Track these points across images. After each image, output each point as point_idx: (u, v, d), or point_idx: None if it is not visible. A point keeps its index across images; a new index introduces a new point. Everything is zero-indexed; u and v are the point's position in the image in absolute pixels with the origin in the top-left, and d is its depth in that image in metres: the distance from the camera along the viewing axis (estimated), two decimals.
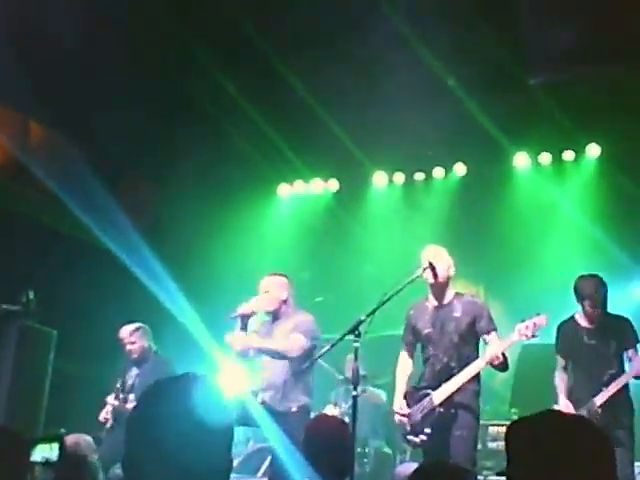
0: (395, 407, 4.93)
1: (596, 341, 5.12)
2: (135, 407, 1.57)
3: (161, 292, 7.33)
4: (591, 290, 5.07)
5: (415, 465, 3.67)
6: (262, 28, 7.12)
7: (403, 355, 5.10)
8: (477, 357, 4.76)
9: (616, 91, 7.20)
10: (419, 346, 5.07)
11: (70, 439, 4.03)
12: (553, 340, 5.52)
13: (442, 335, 4.82)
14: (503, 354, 4.58)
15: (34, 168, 8.02)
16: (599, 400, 4.91)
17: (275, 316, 5.26)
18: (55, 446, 2.78)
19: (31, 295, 6.26)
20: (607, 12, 6.35)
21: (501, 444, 5.65)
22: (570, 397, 5.08)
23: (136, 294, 7.39)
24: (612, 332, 5.10)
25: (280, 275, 5.33)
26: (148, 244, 7.95)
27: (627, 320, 5.19)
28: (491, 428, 5.88)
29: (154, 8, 7.04)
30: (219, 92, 7.78)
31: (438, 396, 4.70)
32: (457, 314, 4.81)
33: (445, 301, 4.88)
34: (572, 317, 5.27)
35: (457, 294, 4.94)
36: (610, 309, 5.97)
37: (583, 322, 5.19)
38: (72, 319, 6.40)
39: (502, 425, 5.83)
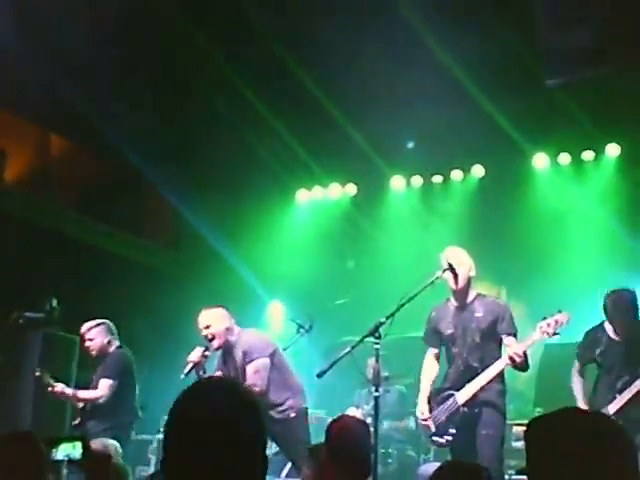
0: (417, 412, 4.95)
1: (620, 349, 5.07)
2: (171, 414, 1.56)
3: (184, 297, 7.37)
4: (620, 312, 5.00)
5: (438, 465, 3.66)
6: (279, 36, 7.18)
7: (428, 358, 5.08)
8: (499, 356, 4.73)
9: (635, 90, 7.14)
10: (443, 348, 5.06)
11: (96, 443, 4.08)
12: (576, 339, 5.53)
13: (464, 335, 4.82)
14: (524, 353, 4.56)
15: (56, 181, 8.14)
16: (612, 408, 4.86)
17: (225, 349, 5.23)
18: (78, 445, 2.82)
19: (54, 303, 6.33)
20: (623, 11, 6.32)
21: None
22: (590, 403, 5.04)
23: (159, 300, 7.45)
24: (638, 342, 5.03)
25: (215, 307, 5.29)
26: (168, 251, 8.01)
27: None
28: (515, 427, 5.84)
29: (169, 14, 7.14)
30: (238, 99, 7.84)
31: (462, 396, 4.71)
32: (479, 314, 4.80)
33: (467, 302, 4.87)
34: (601, 325, 5.22)
35: (479, 295, 4.92)
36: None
37: (611, 332, 5.14)
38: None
39: (526, 425, 5.78)
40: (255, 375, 5.00)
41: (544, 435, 1.64)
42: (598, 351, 5.13)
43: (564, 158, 8.20)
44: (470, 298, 4.88)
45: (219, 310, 5.26)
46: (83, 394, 5.74)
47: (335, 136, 8.01)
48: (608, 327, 5.16)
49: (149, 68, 7.48)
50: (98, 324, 5.91)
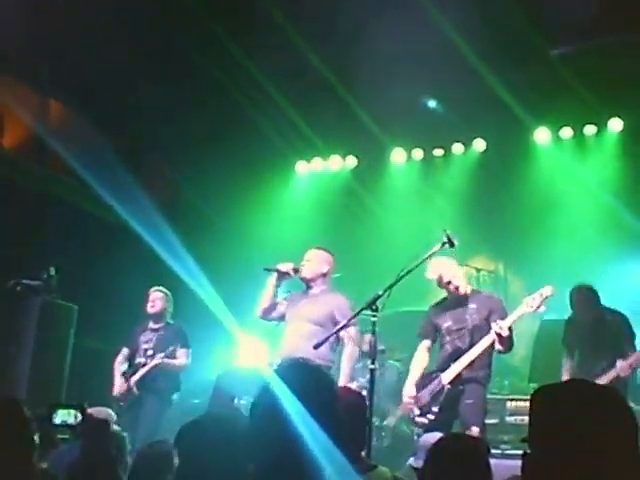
0: (404, 392, 5.07)
1: (593, 336, 5.48)
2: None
3: (180, 268, 7.37)
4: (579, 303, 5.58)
5: (437, 435, 3.69)
6: (280, 8, 7.08)
7: (420, 348, 5.19)
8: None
9: (639, 64, 7.06)
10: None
11: (92, 410, 4.09)
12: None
13: (458, 325, 4.96)
14: (510, 328, 4.63)
15: (55, 148, 8.07)
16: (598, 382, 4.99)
17: (308, 286, 5.28)
18: (74, 412, 2.84)
19: (52, 271, 6.33)
20: None
21: (519, 418, 5.72)
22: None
23: (156, 270, 7.44)
24: (608, 327, 5.47)
25: (326, 251, 5.36)
26: (167, 220, 7.98)
27: (622, 316, 5.56)
28: (509, 403, 5.89)
29: None
30: (238, 71, 7.76)
31: (447, 376, 4.84)
32: (473, 306, 4.96)
33: (462, 297, 5.03)
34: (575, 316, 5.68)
35: (474, 291, 5.13)
36: (630, 283, 6.09)
37: (582, 317, 5.62)
38: (93, 295, 6.47)
39: (520, 400, 5.87)
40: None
41: (547, 402, 1.65)
42: (574, 337, 5.62)
43: (566, 132, 8.14)
44: (465, 292, 5.04)
45: (327, 254, 5.34)
46: (175, 362, 6.08)
47: (336, 108, 7.94)
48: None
49: (149, 39, 7.39)
50: (166, 293, 6.38)
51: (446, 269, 5.01)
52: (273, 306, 5.28)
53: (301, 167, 9.30)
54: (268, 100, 8.12)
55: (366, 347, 5.80)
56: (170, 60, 7.81)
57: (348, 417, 3.40)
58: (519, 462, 1.65)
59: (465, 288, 5.06)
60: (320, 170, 9.24)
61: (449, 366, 4.86)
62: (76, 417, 2.93)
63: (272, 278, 5.20)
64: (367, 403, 3.86)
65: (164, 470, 3.33)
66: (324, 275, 5.26)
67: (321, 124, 8.47)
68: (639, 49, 6.97)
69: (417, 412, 4.91)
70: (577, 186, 7.97)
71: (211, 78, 7.96)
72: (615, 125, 7.91)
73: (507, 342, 4.70)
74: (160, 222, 8.45)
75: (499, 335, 4.62)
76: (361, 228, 8.57)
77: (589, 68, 7.26)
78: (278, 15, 7.12)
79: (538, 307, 4.70)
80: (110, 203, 8.10)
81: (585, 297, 5.60)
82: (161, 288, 6.39)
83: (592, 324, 5.58)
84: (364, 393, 4.87)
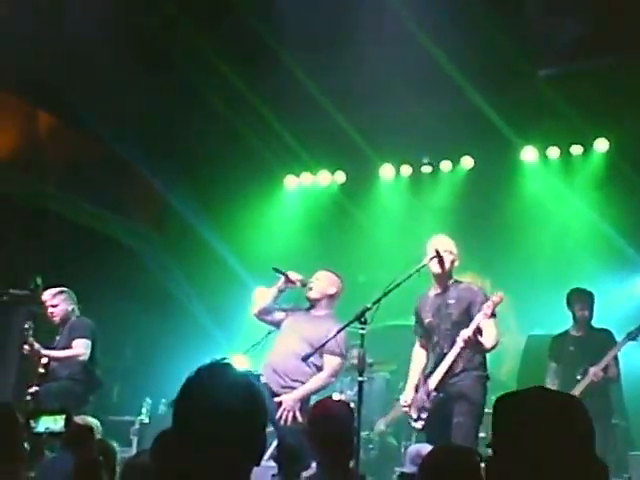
0: (401, 399, 5.03)
1: (581, 347, 5.70)
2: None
3: (168, 281, 7.35)
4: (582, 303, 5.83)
5: (425, 445, 3.70)
6: (268, 23, 7.14)
7: (415, 348, 5.14)
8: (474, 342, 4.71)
9: (624, 85, 7.17)
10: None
11: (76, 418, 4.06)
12: (558, 331, 5.78)
13: (440, 322, 4.87)
14: (479, 330, 4.62)
15: (42, 158, 8.06)
16: (574, 392, 5.14)
17: (312, 306, 5.25)
18: (59, 419, 2.80)
19: (39, 281, 6.29)
20: (616, 2, 6.35)
21: None
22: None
23: (143, 282, 7.43)
24: (595, 341, 5.73)
25: (335, 274, 5.33)
26: (155, 233, 7.97)
27: (609, 332, 5.80)
28: None
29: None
30: (227, 86, 7.79)
31: (433, 380, 4.77)
32: (452, 301, 4.85)
33: (444, 289, 4.92)
34: (565, 331, 5.94)
35: (455, 282, 4.96)
36: (616, 301, 6.21)
37: (573, 331, 5.86)
38: (78, 305, 6.41)
39: (495, 399, 5.85)
40: (331, 370, 5.09)
41: (513, 409, 1.67)
42: (561, 350, 5.84)
43: (553, 152, 8.22)
44: (447, 285, 4.93)
45: (335, 277, 5.30)
46: (63, 353, 5.81)
47: (324, 123, 7.98)
48: (571, 329, 5.89)
49: (137, 51, 7.42)
50: (61, 291, 6.03)
51: (448, 245, 4.96)
52: (271, 309, 5.26)
53: (290, 181, 9.33)
54: (257, 115, 8.14)
55: (354, 361, 5.83)
56: (158, 75, 7.83)
57: (337, 429, 3.43)
58: None
59: (450, 280, 4.95)
60: (309, 185, 9.26)
61: (435, 370, 4.80)
62: (60, 424, 2.89)
63: (279, 281, 5.21)
64: (355, 415, 3.87)
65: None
66: (330, 297, 5.22)
67: (310, 139, 8.50)
68: (623, 71, 7.09)
69: (414, 416, 4.84)
70: (563, 205, 8.05)
71: (201, 95, 7.99)
72: (601, 145, 8.00)
73: (483, 344, 4.66)
74: (148, 235, 8.44)
75: (465, 341, 4.60)
76: (350, 243, 8.58)
77: (575, 89, 7.36)
78: (268, 35, 7.17)
79: (491, 315, 4.68)
80: (97, 214, 8.09)
81: (584, 298, 5.79)
82: (58, 289, 6.03)
83: (582, 338, 5.77)
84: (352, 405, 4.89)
